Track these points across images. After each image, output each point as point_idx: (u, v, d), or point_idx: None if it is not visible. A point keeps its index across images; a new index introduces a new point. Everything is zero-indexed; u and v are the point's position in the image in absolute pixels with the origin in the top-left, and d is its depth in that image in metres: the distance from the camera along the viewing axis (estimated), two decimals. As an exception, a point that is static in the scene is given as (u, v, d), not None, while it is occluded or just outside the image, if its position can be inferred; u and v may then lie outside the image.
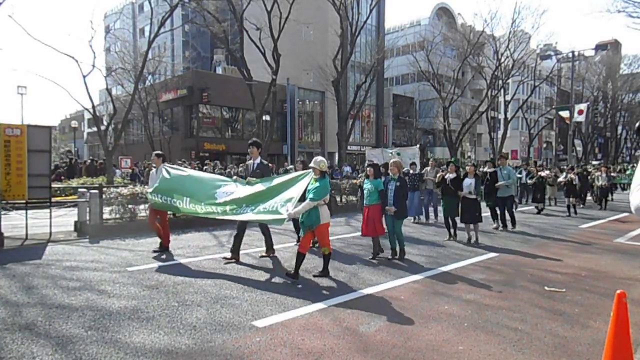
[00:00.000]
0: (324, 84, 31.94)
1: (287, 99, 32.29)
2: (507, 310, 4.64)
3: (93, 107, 18.84)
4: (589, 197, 17.77)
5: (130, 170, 21.33)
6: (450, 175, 8.81)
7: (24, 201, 8.36)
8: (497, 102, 45.19)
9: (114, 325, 4.04)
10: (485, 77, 36.85)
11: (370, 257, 7.11)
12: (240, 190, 6.41)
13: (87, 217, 9.05)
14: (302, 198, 5.76)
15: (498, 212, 10.62)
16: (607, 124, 55.33)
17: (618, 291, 2.72)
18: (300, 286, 5.45)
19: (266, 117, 28.01)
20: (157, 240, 7.47)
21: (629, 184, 20.99)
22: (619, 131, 56.35)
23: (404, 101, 48.07)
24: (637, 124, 2.10)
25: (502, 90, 39.01)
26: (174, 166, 7.88)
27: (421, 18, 52.05)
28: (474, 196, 8.59)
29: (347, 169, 26.07)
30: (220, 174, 12.64)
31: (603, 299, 5.04)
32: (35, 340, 3.70)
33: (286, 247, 7.88)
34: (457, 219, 8.83)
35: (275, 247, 7.26)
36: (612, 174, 19.06)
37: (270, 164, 7.42)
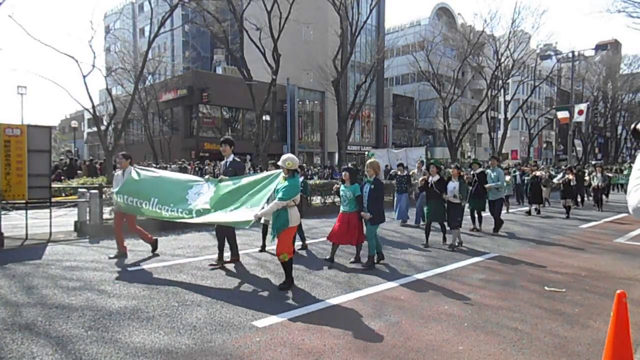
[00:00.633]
0: (324, 84, 31.98)
1: (287, 99, 32.32)
2: (507, 310, 4.64)
3: (93, 107, 18.86)
4: (587, 199, 17.50)
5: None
6: (432, 178, 8.31)
7: (24, 201, 8.36)
8: (497, 102, 45.24)
9: (114, 325, 4.04)
10: (485, 77, 36.90)
11: (352, 260, 6.77)
12: (212, 190, 6.10)
13: (87, 217, 9.04)
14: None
15: (481, 214, 10.17)
16: (607, 124, 55.40)
17: (618, 291, 2.72)
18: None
19: (266, 117, 28.04)
20: (153, 243, 7.31)
21: (624, 184, 20.71)
22: (619, 131, 56.40)
23: (404, 101, 48.11)
24: (632, 126, 2.10)
25: (502, 90, 39.06)
26: (144, 167, 7.54)
27: (421, 18, 52.09)
28: (458, 200, 8.21)
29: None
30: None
31: (603, 299, 5.04)
32: (35, 340, 3.70)
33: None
34: (445, 223, 8.39)
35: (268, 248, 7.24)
36: (608, 174, 18.78)
37: (244, 162, 7.04)
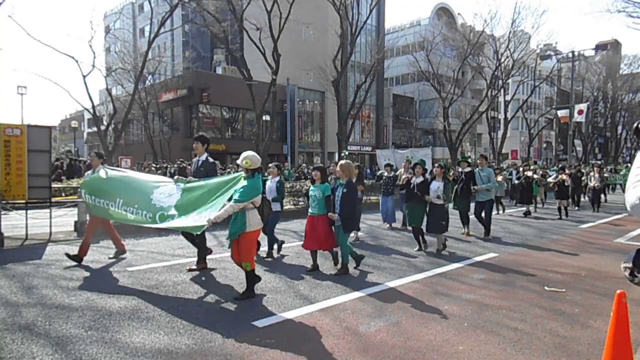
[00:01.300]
0: (324, 84, 31.96)
1: (287, 99, 32.33)
2: (507, 310, 4.64)
3: (93, 107, 18.87)
4: (583, 199, 17.10)
5: (130, 171, 21.31)
6: (416, 179, 7.77)
7: (24, 201, 8.36)
8: (497, 102, 45.23)
9: (114, 325, 4.04)
10: (485, 77, 36.88)
11: (334, 272, 6.11)
12: (179, 193, 5.66)
13: (87, 217, 9.03)
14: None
15: (470, 217, 9.53)
16: (607, 124, 55.39)
17: (618, 291, 2.73)
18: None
19: (266, 117, 28.03)
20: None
21: (622, 184, 20.25)
22: (619, 131, 56.38)
23: (404, 101, 48.10)
24: (634, 124, 2.10)
25: (502, 90, 39.04)
26: (115, 168, 7.23)
27: (421, 18, 52.09)
28: (441, 202, 7.59)
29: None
30: (221, 174, 12.61)
31: (603, 299, 5.04)
32: (35, 340, 3.70)
33: (291, 246, 7.88)
34: (424, 228, 7.83)
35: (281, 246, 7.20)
36: (605, 175, 18.44)
37: (216, 162, 6.47)
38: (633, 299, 4.91)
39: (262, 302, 4.80)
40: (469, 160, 10.11)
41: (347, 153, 16.30)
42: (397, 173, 10.77)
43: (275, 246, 7.28)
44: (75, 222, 9.27)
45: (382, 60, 34.08)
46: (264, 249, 7.25)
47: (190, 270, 6.09)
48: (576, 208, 15.35)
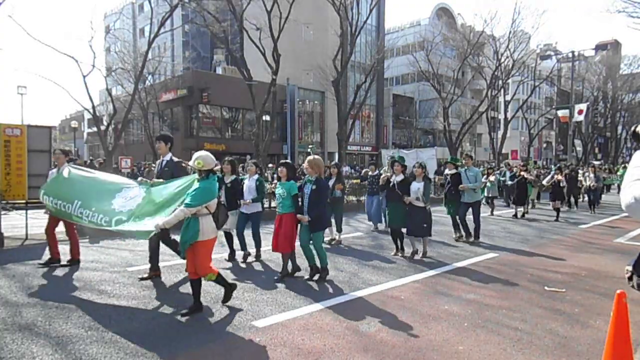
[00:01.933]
0: (324, 84, 31.96)
1: (287, 99, 32.31)
2: (507, 310, 4.64)
3: (93, 107, 18.87)
4: (580, 201, 16.74)
5: (130, 171, 21.33)
6: (396, 178, 7.34)
7: (24, 201, 8.36)
8: (497, 102, 45.25)
9: (114, 325, 4.04)
10: (485, 77, 36.90)
11: (276, 278, 5.77)
12: (141, 196, 5.27)
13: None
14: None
15: (458, 220, 8.97)
16: (607, 124, 55.36)
17: (618, 291, 2.73)
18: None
19: (266, 117, 28.01)
20: (76, 258, 6.58)
21: (619, 184, 19.92)
22: (619, 131, 56.37)
23: (404, 101, 48.08)
24: (632, 128, 2.10)
25: (502, 90, 39.05)
26: (79, 167, 6.77)
27: (421, 18, 52.07)
28: (422, 204, 7.12)
29: (346, 168, 26.17)
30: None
31: (603, 299, 5.04)
32: (35, 340, 3.70)
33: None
34: (404, 230, 7.40)
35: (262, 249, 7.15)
36: (602, 175, 17.86)
37: (184, 162, 5.93)
38: (633, 299, 4.89)
39: (262, 302, 4.80)
40: (458, 162, 9.55)
41: (314, 148, 15.34)
42: (380, 171, 10.14)
43: (252, 250, 6.95)
44: (75, 222, 9.26)
45: (382, 60, 34.09)
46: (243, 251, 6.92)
47: (143, 279, 5.66)
48: (571, 209, 15.07)
